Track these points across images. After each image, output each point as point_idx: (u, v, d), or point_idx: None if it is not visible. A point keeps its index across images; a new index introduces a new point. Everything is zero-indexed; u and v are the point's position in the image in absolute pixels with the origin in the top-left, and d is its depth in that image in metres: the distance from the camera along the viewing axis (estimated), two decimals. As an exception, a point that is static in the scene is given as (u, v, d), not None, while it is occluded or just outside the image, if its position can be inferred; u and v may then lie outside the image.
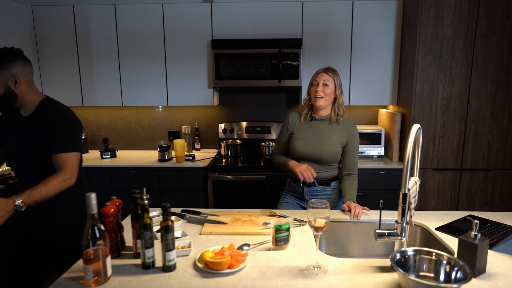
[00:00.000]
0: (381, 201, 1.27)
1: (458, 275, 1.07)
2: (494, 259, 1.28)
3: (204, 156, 3.19)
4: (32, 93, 1.63)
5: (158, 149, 3.03)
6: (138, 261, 1.24)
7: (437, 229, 1.55)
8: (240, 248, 1.36)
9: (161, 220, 1.18)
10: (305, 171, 1.81)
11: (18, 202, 1.39)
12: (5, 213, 1.34)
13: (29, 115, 1.65)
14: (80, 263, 1.22)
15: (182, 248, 1.33)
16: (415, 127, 1.23)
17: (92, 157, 3.20)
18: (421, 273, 1.16)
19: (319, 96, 1.83)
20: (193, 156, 3.06)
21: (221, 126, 3.38)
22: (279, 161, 2.02)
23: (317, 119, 1.93)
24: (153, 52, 3.07)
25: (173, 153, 3.15)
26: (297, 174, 1.83)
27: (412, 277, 1.03)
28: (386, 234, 1.25)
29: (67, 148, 1.62)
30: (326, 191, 1.94)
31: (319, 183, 1.92)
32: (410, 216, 1.25)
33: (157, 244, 1.29)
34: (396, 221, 1.25)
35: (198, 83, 3.10)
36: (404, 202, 1.21)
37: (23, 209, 1.40)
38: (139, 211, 1.24)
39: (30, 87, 1.62)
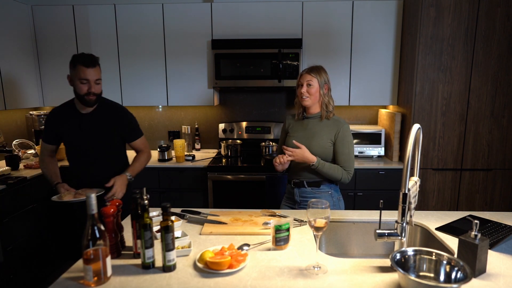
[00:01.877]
0: (381, 201, 1.27)
1: (458, 275, 1.07)
2: (494, 259, 1.27)
3: (204, 156, 3.19)
4: None
5: (158, 149, 3.03)
6: (138, 261, 1.24)
7: (437, 229, 1.55)
8: (240, 248, 1.36)
9: (161, 220, 1.18)
10: (279, 158, 1.88)
11: (129, 176, 1.92)
12: (125, 186, 1.86)
13: (90, 112, 1.94)
14: (80, 263, 1.22)
15: (182, 248, 1.33)
16: (415, 127, 1.23)
17: (92, 157, 3.19)
18: (421, 273, 1.16)
19: (304, 97, 1.88)
20: (193, 156, 3.06)
21: (221, 126, 3.38)
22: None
23: (308, 117, 1.96)
24: (153, 52, 3.07)
25: (173, 153, 3.15)
26: (275, 167, 1.92)
27: (412, 277, 1.03)
28: (386, 234, 1.25)
29: (141, 133, 2.11)
30: (315, 194, 1.92)
31: (308, 184, 1.92)
32: (410, 216, 1.25)
33: (157, 244, 1.29)
34: (396, 221, 1.25)
35: (198, 83, 3.10)
36: (404, 202, 1.21)
37: (132, 180, 1.92)
38: (139, 211, 1.24)
39: None
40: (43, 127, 2.00)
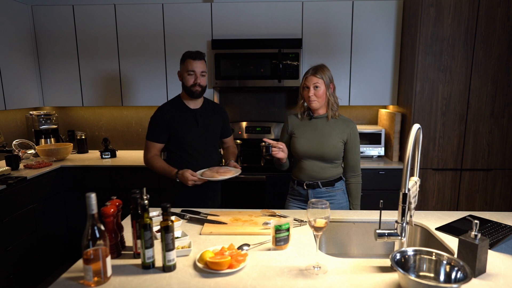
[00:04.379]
0: (381, 201, 1.27)
1: (458, 275, 1.07)
2: (494, 259, 1.27)
3: (204, 156, 3.18)
4: None
5: (158, 149, 3.03)
6: (138, 261, 1.24)
7: (437, 229, 1.55)
8: (240, 248, 1.36)
9: (161, 220, 1.18)
10: (276, 146, 1.87)
11: (233, 160, 2.18)
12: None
13: (200, 108, 2.10)
14: (80, 263, 1.22)
15: (182, 248, 1.33)
16: (415, 127, 1.23)
17: (92, 157, 3.20)
18: (421, 273, 1.16)
19: (312, 100, 1.86)
20: (193, 156, 3.06)
21: (221, 126, 3.38)
22: (275, 162, 2.05)
23: (316, 117, 1.94)
24: (153, 52, 3.07)
25: (173, 153, 3.15)
26: (277, 156, 1.88)
27: (412, 277, 1.03)
28: (386, 234, 1.25)
29: (232, 130, 2.36)
30: (330, 192, 1.93)
31: (323, 184, 1.92)
32: (410, 216, 1.25)
33: (157, 244, 1.29)
34: (396, 221, 1.25)
35: (198, 83, 3.09)
36: (404, 202, 1.21)
37: None
38: (139, 211, 1.24)
39: None
40: (150, 124, 2.10)
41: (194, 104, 2.08)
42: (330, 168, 1.92)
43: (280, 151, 1.87)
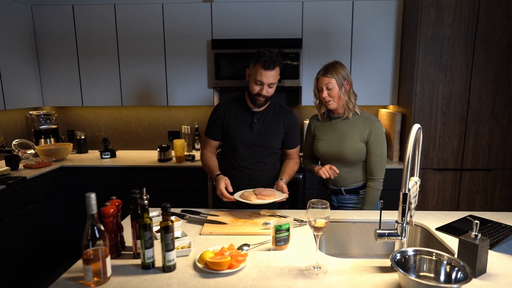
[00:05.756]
0: (381, 201, 1.27)
1: (459, 276, 1.07)
2: (495, 259, 1.27)
3: (204, 156, 3.18)
4: None
5: (158, 149, 3.03)
6: (138, 261, 1.24)
7: (437, 229, 1.55)
8: (240, 248, 1.35)
9: (161, 220, 1.18)
10: (327, 170, 1.78)
11: (285, 181, 1.81)
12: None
13: (261, 111, 1.90)
14: (80, 263, 1.22)
15: (182, 248, 1.33)
16: (415, 127, 1.23)
17: (92, 157, 3.19)
18: (421, 273, 1.16)
19: (327, 101, 1.80)
20: (193, 156, 3.06)
21: (221, 126, 3.38)
22: (308, 168, 1.97)
23: (336, 117, 1.87)
24: (153, 52, 3.07)
25: (173, 153, 3.15)
26: (321, 175, 1.81)
27: (413, 278, 1.03)
28: (386, 234, 1.25)
29: (299, 142, 2.00)
30: (354, 199, 1.89)
31: (346, 192, 1.87)
32: (410, 216, 1.25)
33: (157, 244, 1.29)
34: (396, 221, 1.24)
35: (198, 83, 3.10)
36: (404, 202, 1.21)
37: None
38: (139, 211, 1.24)
39: None
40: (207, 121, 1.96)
41: (258, 106, 1.88)
42: (352, 173, 1.85)
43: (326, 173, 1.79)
